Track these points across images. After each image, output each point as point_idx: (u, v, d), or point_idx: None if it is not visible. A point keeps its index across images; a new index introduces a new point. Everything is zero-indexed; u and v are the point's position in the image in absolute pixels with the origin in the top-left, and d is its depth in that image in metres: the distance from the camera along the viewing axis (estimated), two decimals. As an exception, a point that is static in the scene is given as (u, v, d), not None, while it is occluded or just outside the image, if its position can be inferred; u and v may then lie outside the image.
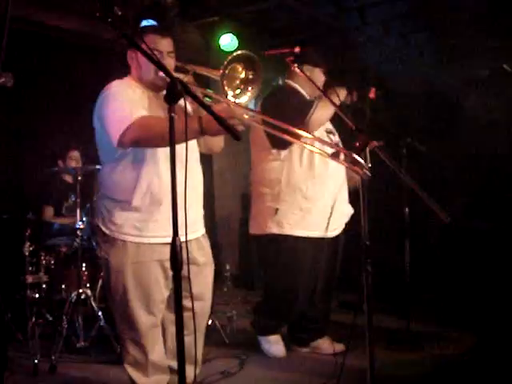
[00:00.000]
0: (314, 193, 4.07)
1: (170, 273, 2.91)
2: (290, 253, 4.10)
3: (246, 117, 2.74)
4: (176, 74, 2.79)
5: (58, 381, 3.85)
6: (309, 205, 4.05)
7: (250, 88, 2.75)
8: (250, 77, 2.75)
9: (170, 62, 2.95)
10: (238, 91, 2.74)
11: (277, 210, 4.07)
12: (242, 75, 2.75)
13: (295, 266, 4.12)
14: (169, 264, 2.85)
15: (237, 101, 2.71)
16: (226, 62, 2.64)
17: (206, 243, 3.21)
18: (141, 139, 2.73)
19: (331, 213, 4.06)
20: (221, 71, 2.63)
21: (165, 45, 2.97)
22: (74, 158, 5.29)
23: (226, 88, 2.67)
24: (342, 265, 4.42)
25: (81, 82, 5.92)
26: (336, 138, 4.31)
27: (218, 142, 3.18)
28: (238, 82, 2.76)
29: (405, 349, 4.27)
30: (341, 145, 4.31)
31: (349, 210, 4.25)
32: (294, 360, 4.18)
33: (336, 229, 4.20)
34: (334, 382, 2.98)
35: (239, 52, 2.69)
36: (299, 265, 4.11)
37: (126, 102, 2.82)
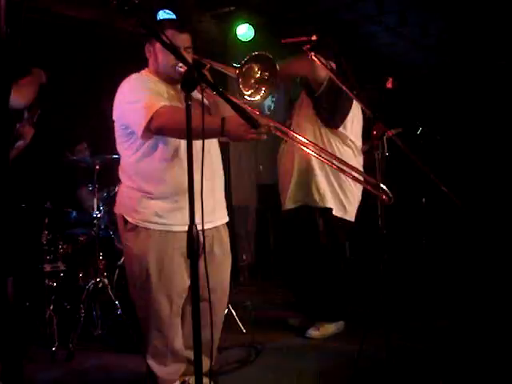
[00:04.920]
0: None
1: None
2: None
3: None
4: None
5: (76, 369, 3.88)
6: None
7: (263, 88, 2.77)
8: (265, 77, 2.76)
9: (186, 57, 2.94)
10: (251, 90, 2.76)
11: None
12: (258, 75, 2.78)
13: None
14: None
15: (250, 99, 2.73)
16: (243, 61, 2.66)
17: (226, 235, 3.20)
18: (165, 127, 2.75)
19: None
20: (237, 70, 2.65)
21: (182, 40, 2.95)
22: (81, 150, 5.29)
23: (241, 86, 2.68)
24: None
25: (92, 73, 5.92)
26: None
27: None
28: (252, 81, 2.78)
29: (418, 339, 4.26)
30: None
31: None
32: (309, 349, 4.17)
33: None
34: (350, 371, 2.99)
35: (257, 52, 2.70)
36: None
37: (148, 93, 2.84)
